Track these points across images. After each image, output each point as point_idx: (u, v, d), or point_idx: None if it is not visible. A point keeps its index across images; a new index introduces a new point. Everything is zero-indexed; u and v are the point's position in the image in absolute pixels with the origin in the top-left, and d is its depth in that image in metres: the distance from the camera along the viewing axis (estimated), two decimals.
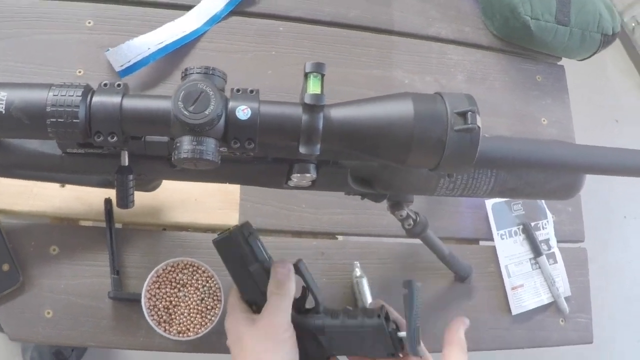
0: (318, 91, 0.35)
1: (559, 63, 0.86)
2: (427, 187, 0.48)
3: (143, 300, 0.57)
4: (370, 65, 0.76)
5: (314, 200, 0.68)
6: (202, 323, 0.58)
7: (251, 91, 0.37)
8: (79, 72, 0.68)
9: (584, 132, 1.44)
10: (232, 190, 0.67)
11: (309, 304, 0.52)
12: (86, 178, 0.55)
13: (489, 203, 0.73)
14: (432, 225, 0.70)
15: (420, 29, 0.80)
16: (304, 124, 0.35)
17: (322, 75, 0.36)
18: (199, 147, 0.34)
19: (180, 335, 0.57)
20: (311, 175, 0.43)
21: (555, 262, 0.74)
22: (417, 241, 0.60)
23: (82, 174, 0.50)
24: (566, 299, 0.73)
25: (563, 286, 0.74)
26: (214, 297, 0.59)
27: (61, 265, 0.60)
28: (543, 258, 0.73)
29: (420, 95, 0.37)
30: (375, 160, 0.43)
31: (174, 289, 0.59)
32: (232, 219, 0.66)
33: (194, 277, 0.59)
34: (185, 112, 0.34)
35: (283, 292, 0.47)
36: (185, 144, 0.34)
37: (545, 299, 0.73)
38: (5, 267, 0.57)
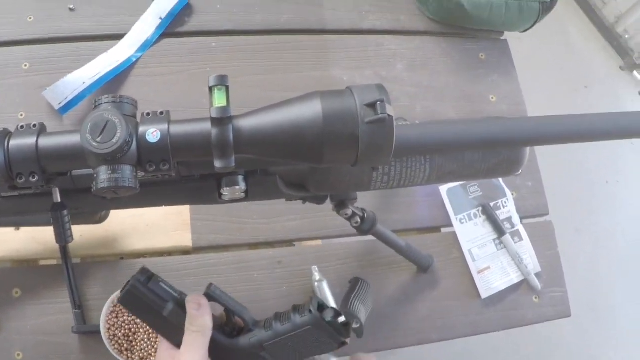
0: (224, 103, 0.35)
1: (502, 38, 0.85)
2: (361, 182, 0.47)
3: (102, 331, 0.57)
4: (307, 68, 0.76)
5: (264, 210, 0.68)
6: None
7: (161, 113, 0.37)
8: (21, 115, 0.69)
9: (553, 101, 1.44)
10: (182, 212, 0.67)
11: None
12: (32, 219, 0.55)
13: (444, 189, 0.72)
14: (389, 218, 0.70)
15: (355, 23, 0.79)
16: (214, 138, 0.35)
17: (227, 87, 0.35)
18: (114, 175, 0.35)
19: None
20: (241, 187, 0.43)
21: (521, 239, 0.73)
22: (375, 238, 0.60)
23: (22, 216, 0.50)
24: (537, 275, 0.72)
25: (532, 263, 0.72)
26: None
27: (25, 307, 0.61)
28: (507, 237, 0.72)
29: (329, 92, 0.37)
30: (293, 163, 0.42)
31: (131, 316, 0.59)
32: (185, 239, 0.66)
33: None
34: (94, 143, 0.34)
35: (196, 328, 0.46)
36: (102, 174, 0.35)
37: (514, 278, 0.71)
38: None
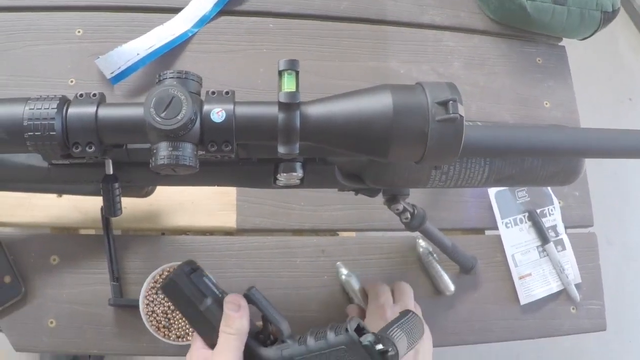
0: (293, 89, 0.34)
1: (560, 44, 0.83)
2: (419, 179, 0.46)
3: (141, 307, 0.57)
4: (364, 57, 0.75)
5: (313, 197, 0.67)
6: None
7: (226, 93, 0.36)
8: (71, 81, 0.69)
9: (596, 113, 1.41)
10: (229, 192, 0.67)
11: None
12: (78, 187, 0.55)
13: (492, 191, 0.71)
14: (436, 216, 0.70)
15: (414, 17, 0.78)
16: (280, 123, 0.35)
17: (297, 72, 0.35)
18: (175, 152, 0.34)
19: (180, 339, 0.57)
20: (298, 173, 0.43)
21: (564, 248, 0.72)
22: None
23: (70, 185, 0.50)
24: (577, 286, 0.71)
25: (573, 273, 0.72)
26: None
27: (62, 275, 0.61)
28: (551, 245, 0.71)
29: (400, 86, 0.36)
30: (356, 155, 0.42)
31: None
32: (230, 220, 0.66)
33: None
34: (158, 119, 0.34)
35: (231, 330, 0.44)
36: (162, 150, 0.34)
37: (554, 287, 0.71)
38: (7, 279, 0.58)
